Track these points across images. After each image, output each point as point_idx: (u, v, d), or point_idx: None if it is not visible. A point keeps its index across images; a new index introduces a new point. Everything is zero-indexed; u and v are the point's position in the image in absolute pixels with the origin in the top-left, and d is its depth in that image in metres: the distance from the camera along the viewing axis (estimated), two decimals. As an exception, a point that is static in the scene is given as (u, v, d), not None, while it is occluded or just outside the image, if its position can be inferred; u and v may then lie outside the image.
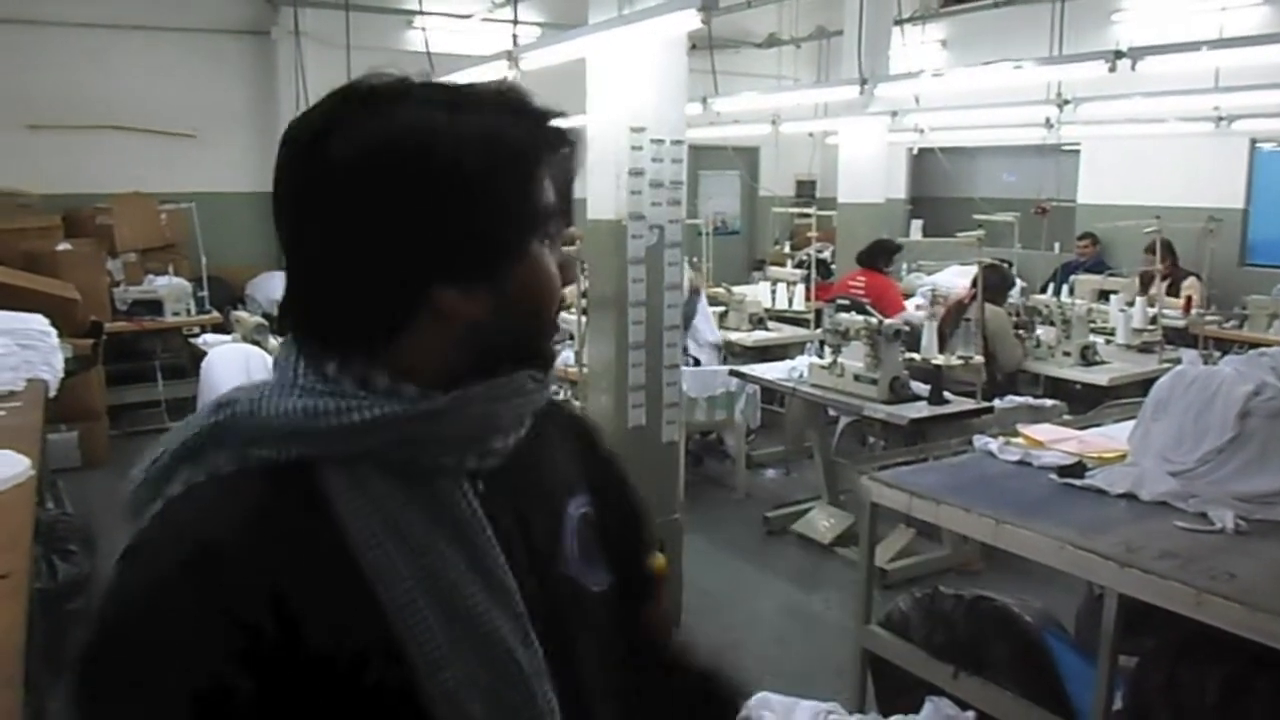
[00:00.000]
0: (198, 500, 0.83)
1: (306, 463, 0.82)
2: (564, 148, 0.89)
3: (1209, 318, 6.99)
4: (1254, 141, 8.89)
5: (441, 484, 0.85)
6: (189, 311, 7.31)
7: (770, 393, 6.09)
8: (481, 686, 0.82)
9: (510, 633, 0.85)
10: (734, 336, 6.81)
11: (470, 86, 0.88)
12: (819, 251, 8.12)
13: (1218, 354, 5.63)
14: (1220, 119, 7.82)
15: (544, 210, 0.87)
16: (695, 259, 7.20)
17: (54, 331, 4.68)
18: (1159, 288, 6.52)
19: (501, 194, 0.84)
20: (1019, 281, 7.28)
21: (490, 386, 0.86)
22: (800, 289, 7.52)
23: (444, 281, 0.84)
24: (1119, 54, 4.49)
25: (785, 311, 7.46)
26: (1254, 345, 6.05)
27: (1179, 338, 6.73)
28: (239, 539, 0.79)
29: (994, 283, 5.87)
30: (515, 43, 4.75)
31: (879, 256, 6.94)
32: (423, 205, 0.81)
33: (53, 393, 4.46)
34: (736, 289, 7.49)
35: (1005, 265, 7.02)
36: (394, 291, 0.84)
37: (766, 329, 6.97)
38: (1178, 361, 4.52)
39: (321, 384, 0.84)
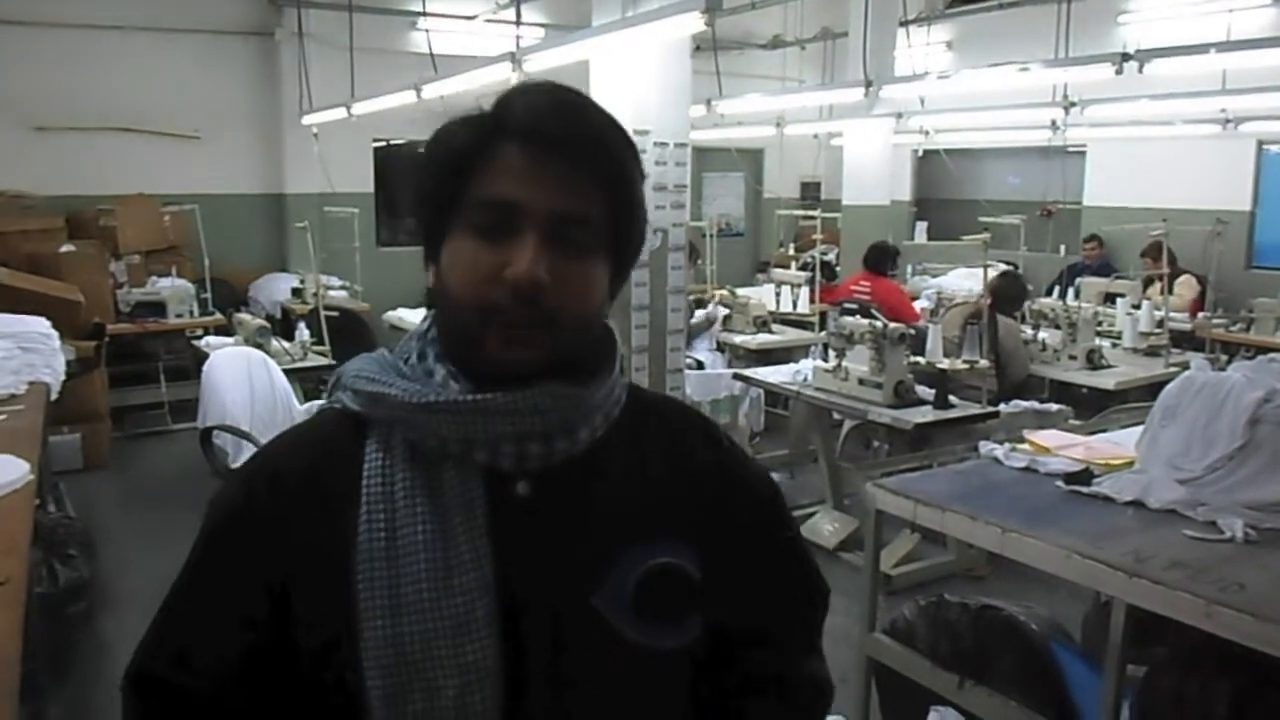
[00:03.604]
0: (294, 427, 1.08)
1: (363, 417, 0.97)
2: (509, 148, 0.92)
3: (1215, 321, 6.96)
4: (1261, 144, 8.87)
5: (447, 468, 0.93)
6: (192, 313, 7.30)
7: (774, 396, 6.06)
8: (401, 648, 0.89)
9: (455, 615, 0.90)
10: (738, 339, 6.79)
11: (503, 92, 0.98)
12: (823, 254, 8.10)
13: (1224, 357, 5.62)
14: (1227, 121, 7.80)
15: (467, 201, 0.93)
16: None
17: (55, 334, 4.67)
18: (1165, 288, 6.49)
19: (426, 187, 0.97)
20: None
21: (483, 399, 0.92)
22: (804, 291, 7.49)
23: (429, 258, 0.99)
24: (1126, 56, 4.46)
25: (789, 314, 7.43)
26: (1260, 348, 6.04)
27: (1185, 341, 6.70)
28: (281, 461, 1.01)
29: (1011, 293, 5.83)
30: (518, 45, 4.72)
31: (884, 260, 6.92)
32: (414, 197, 0.99)
33: (54, 395, 4.45)
34: (741, 291, 7.46)
35: (1014, 268, 6.99)
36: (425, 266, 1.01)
37: (770, 332, 6.94)
38: (1184, 365, 4.49)
39: (394, 354, 1.01)
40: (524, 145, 0.91)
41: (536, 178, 0.91)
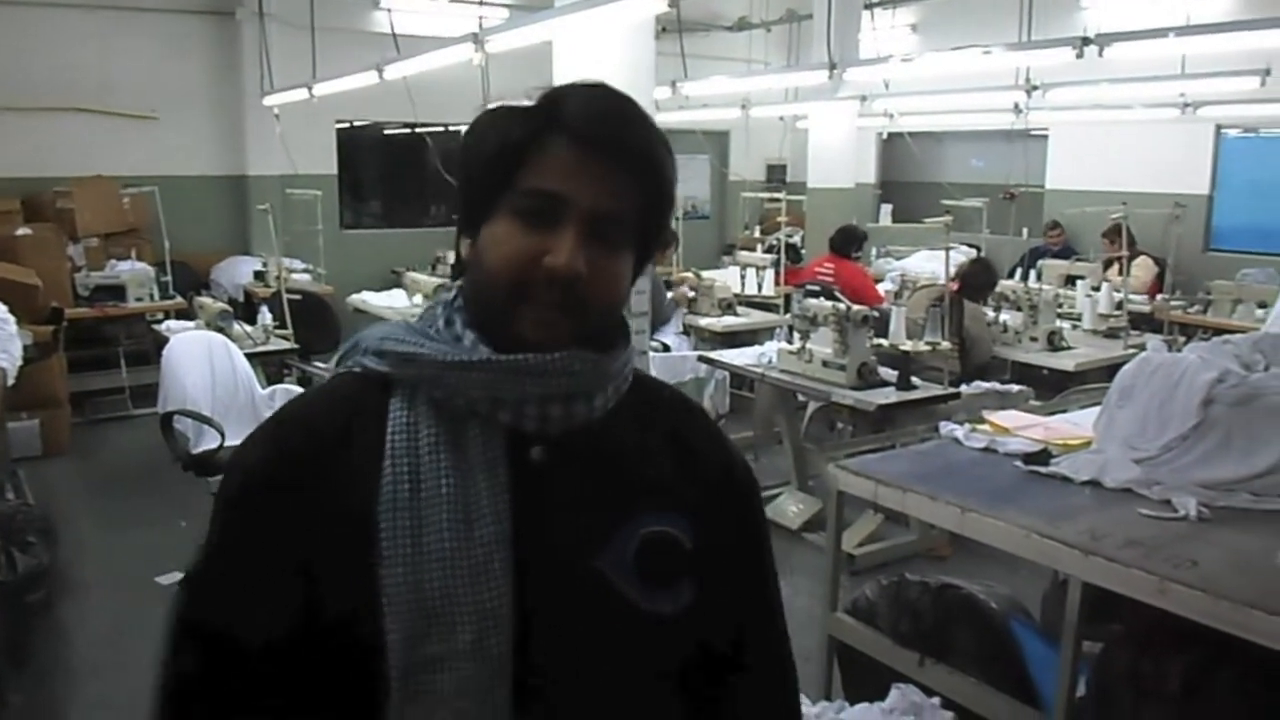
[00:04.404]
0: (313, 389, 1.12)
1: (389, 378, 1.02)
2: (559, 140, 0.97)
3: (1173, 303, 7.05)
4: (1219, 128, 8.97)
5: (472, 427, 0.98)
6: (152, 297, 7.20)
7: (739, 378, 6.08)
8: (421, 593, 0.94)
9: (474, 563, 0.95)
10: (703, 322, 6.80)
11: (554, 88, 1.02)
12: (789, 236, 8.12)
13: (1182, 339, 5.69)
14: (1186, 105, 7.87)
15: (515, 187, 0.98)
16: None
17: (12, 319, 4.61)
18: (1124, 269, 6.58)
19: (474, 168, 1.02)
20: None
21: (515, 359, 0.97)
22: (770, 274, 7.51)
23: (465, 232, 1.04)
24: (1086, 40, 4.50)
25: (755, 297, 7.44)
26: (1218, 330, 6.12)
27: (1144, 322, 6.78)
28: (311, 416, 1.05)
29: (982, 280, 5.87)
30: (481, 25, 4.69)
31: (850, 243, 6.95)
32: (458, 174, 1.04)
33: (11, 381, 4.40)
34: (706, 274, 7.47)
35: (976, 250, 7.04)
36: (457, 239, 1.07)
37: (736, 314, 6.96)
38: (1143, 347, 4.55)
39: (420, 321, 1.06)
40: (576, 143, 0.97)
41: (584, 175, 0.97)
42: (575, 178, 0.97)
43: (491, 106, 1.04)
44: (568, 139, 0.97)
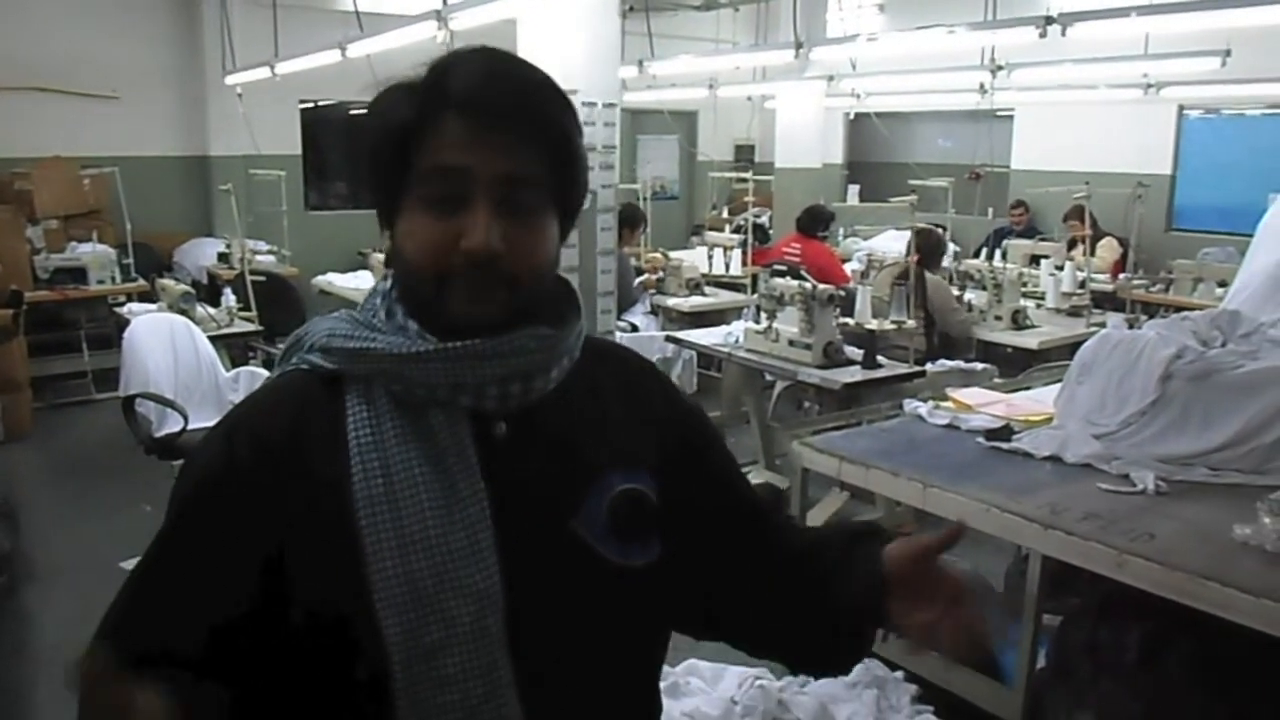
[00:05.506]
0: (261, 389, 1.08)
1: (338, 374, 1.00)
2: (465, 116, 0.95)
3: (1136, 282, 7.13)
4: (1181, 108, 9.05)
5: (434, 413, 0.98)
6: (114, 279, 7.10)
7: (707, 358, 6.09)
8: (414, 582, 0.92)
9: (461, 546, 0.94)
10: (671, 302, 6.81)
11: (437, 61, 1.00)
12: (756, 216, 8.12)
13: (1143, 317, 5.75)
14: (1149, 86, 7.93)
15: (415, 172, 0.97)
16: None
17: (-31, 302, 4.54)
18: (1084, 249, 6.65)
19: (369, 158, 1.00)
20: (952, 245, 7.34)
21: (470, 345, 0.96)
22: (737, 254, 7.52)
23: (382, 225, 1.03)
24: (1049, 19, 4.53)
25: (722, 277, 7.45)
26: (1179, 309, 6.19)
27: (1107, 301, 6.85)
28: (259, 419, 1.02)
29: (933, 244, 5.90)
30: (444, 2, 4.65)
31: (817, 223, 6.96)
32: (356, 165, 1.03)
33: (-31, 364, 4.34)
34: (674, 254, 7.46)
35: (939, 228, 7.07)
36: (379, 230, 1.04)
37: (704, 294, 6.96)
38: (1104, 325, 4.59)
39: (361, 313, 1.04)
40: (465, 115, 0.95)
41: (480, 145, 0.95)
42: (472, 150, 0.96)
43: (384, 86, 1.02)
44: (456, 111, 0.96)
